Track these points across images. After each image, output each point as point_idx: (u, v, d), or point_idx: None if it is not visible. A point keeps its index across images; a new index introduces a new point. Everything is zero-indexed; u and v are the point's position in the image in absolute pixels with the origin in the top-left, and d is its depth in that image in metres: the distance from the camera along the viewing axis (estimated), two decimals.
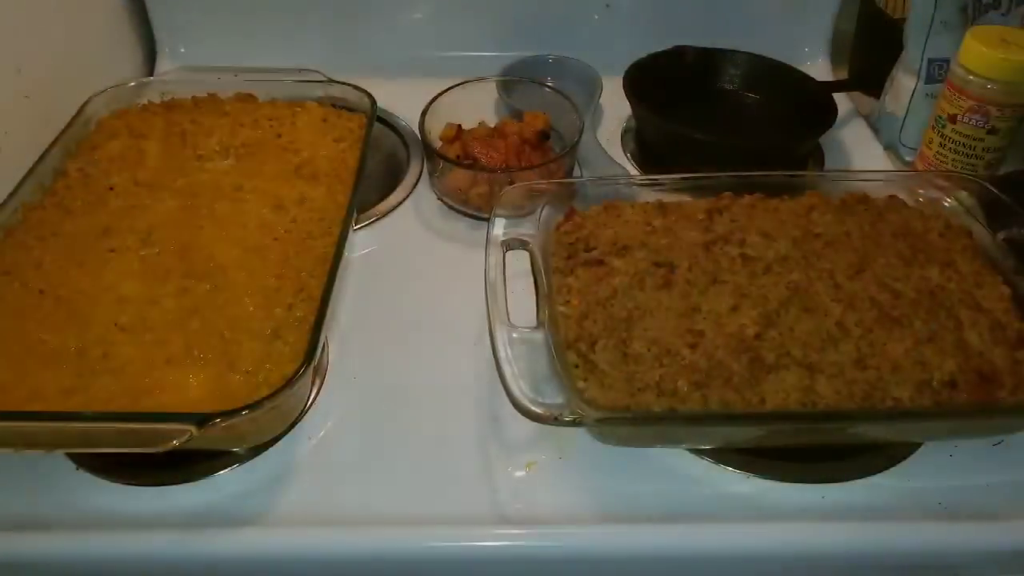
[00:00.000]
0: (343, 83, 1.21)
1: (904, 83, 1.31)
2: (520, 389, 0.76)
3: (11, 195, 0.99)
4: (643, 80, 1.31)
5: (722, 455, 0.86)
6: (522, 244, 0.93)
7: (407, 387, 0.95)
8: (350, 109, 1.20)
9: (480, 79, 1.31)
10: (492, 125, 1.27)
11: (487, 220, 0.94)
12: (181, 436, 0.70)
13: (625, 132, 1.38)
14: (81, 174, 1.06)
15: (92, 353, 0.83)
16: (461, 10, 1.49)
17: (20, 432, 0.74)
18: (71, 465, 0.86)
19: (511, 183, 1.07)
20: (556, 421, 0.74)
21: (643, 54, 1.36)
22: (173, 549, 0.79)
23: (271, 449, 0.88)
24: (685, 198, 1.02)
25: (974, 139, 1.13)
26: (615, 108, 1.40)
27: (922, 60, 1.26)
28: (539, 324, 0.84)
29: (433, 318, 1.03)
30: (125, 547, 0.80)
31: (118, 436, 0.75)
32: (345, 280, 1.07)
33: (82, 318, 0.87)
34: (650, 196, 1.02)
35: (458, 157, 1.18)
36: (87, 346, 0.84)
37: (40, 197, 1.02)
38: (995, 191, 0.97)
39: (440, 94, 1.24)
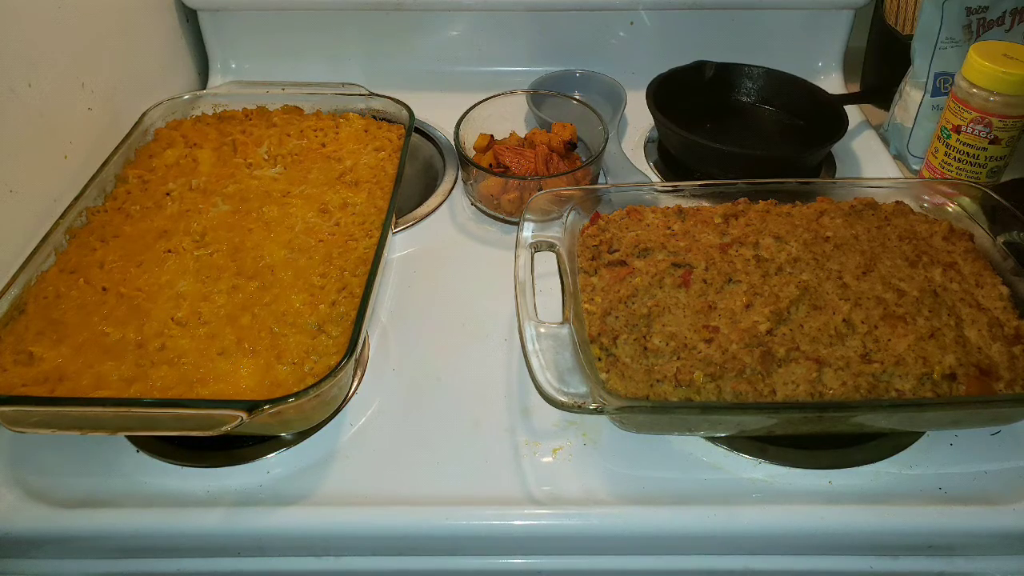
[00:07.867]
0: (383, 96, 1.25)
1: (912, 96, 1.34)
2: (547, 380, 0.80)
3: (76, 200, 1.04)
4: (665, 93, 1.35)
5: (736, 443, 0.90)
6: (550, 246, 0.97)
7: (442, 379, 0.98)
8: (390, 120, 1.25)
9: (511, 92, 1.35)
10: (522, 135, 1.31)
11: (517, 224, 0.98)
12: (232, 421, 0.75)
13: (648, 142, 1.42)
14: (140, 180, 1.11)
15: (151, 345, 0.88)
16: (494, 28, 1.53)
17: (87, 416, 0.79)
18: (132, 448, 0.91)
19: (540, 190, 1.11)
20: (580, 409, 0.78)
21: (665, 69, 1.40)
22: (225, 525, 0.84)
23: (316, 435, 0.92)
24: (703, 204, 1.05)
25: (977, 149, 1.15)
26: (638, 120, 1.44)
27: (929, 74, 1.29)
28: (565, 320, 0.88)
29: (467, 315, 1.06)
30: (180, 523, 0.85)
31: (175, 421, 0.80)
32: (385, 279, 1.12)
33: (141, 313, 0.92)
34: (670, 202, 1.05)
35: (490, 165, 1.23)
36: (146, 339, 0.89)
37: (102, 202, 1.07)
38: (996, 197, 0.99)
39: (474, 106, 1.28)
